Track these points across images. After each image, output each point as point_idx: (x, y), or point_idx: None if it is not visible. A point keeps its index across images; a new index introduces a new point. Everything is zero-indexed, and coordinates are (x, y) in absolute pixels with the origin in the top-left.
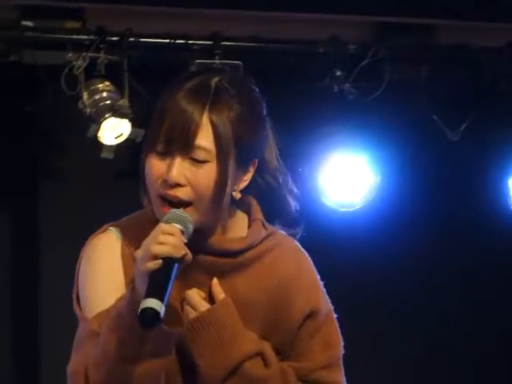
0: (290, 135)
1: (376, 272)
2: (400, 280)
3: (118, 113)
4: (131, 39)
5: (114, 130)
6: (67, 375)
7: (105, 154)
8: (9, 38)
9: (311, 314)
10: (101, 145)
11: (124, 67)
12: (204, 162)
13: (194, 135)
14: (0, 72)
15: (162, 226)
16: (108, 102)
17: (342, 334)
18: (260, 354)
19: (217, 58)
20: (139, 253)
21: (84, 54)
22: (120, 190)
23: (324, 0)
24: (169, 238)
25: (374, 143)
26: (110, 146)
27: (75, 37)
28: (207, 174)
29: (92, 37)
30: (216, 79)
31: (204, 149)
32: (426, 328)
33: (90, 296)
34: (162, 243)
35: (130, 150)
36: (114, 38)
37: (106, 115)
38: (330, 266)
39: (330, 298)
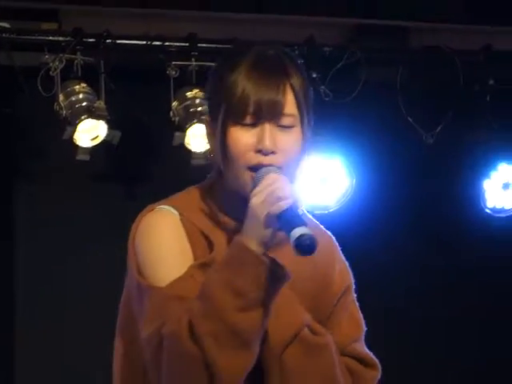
0: None
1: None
2: (376, 282)
3: (94, 114)
4: (108, 41)
5: (90, 132)
6: (151, 342)
7: (80, 156)
8: None
9: (346, 290)
10: (77, 147)
11: (100, 69)
12: (291, 127)
13: (283, 104)
14: None
15: (276, 175)
16: (84, 103)
17: None
18: (309, 325)
19: (193, 59)
20: (255, 200)
21: (60, 55)
22: (96, 192)
23: (299, 2)
24: (288, 184)
25: (349, 145)
26: (86, 148)
27: (51, 38)
28: (295, 139)
29: (68, 38)
30: (272, 51)
31: (291, 115)
32: (405, 331)
33: (159, 265)
34: (283, 187)
35: (106, 152)
36: (91, 40)
37: (83, 117)
38: None
39: None
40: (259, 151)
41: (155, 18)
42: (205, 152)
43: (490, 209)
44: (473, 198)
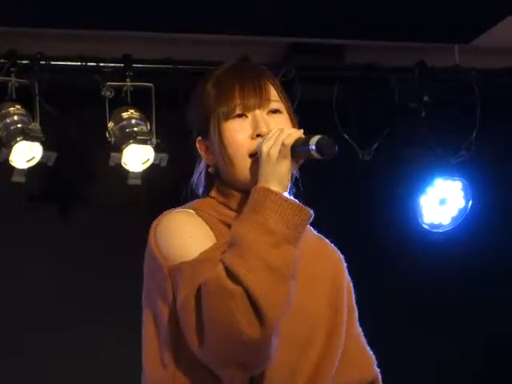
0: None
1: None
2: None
3: (29, 136)
4: (42, 62)
5: (25, 154)
6: (188, 297)
7: (16, 178)
8: None
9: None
10: (12, 168)
11: (35, 90)
12: (280, 111)
13: (268, 89)
14: None
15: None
16: (19, 125)
17: None
18: None
19: (128, 80)
20: (266, 145)
21: None
22: (32, 213)
23: (234, 21)
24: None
25: None
26: (22, 170)
27: None
28: (286, 121)
29: (2, 60)
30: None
31: (277, 100)
32: None
33: (185, 247)
34: (289, 128)
35: (42, 174)
36: (25, 62)
37: (18, 139)
38: None
39: None
40: (257, 136)
41: (90, 38)
42: (142, 172)
43: (428, 224)
44: (410, 213)
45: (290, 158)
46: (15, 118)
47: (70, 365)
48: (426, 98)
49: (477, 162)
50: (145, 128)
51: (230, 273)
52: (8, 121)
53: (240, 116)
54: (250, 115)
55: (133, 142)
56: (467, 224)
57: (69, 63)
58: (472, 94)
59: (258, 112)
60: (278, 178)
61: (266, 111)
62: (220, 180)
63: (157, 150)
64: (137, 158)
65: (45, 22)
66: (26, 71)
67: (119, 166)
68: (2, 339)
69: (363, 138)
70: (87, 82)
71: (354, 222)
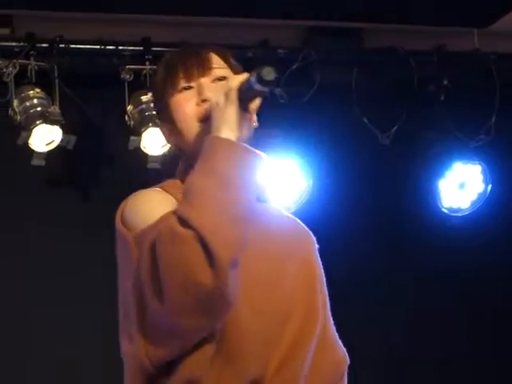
0: None
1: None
2: (334, 285)
3: (48, 119)
4: (61, 45)
5: (44, 137)
6: (143, 258)
7: (36, 161)
8: None
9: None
10: (32, 152)
11: (54, 74)
12: (224, 78)
13: (210, 57)
14: None
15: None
16: (39, 108)
17: None
18: None
19: (147, 63)
20: (213, 98)
21: (14, 60)
22: (51, 197)
23: (253, 5)
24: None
25: (305, 147)
26: (41, 153)
27: (4, 43)
28: None
29: (22, 44)
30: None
31: (222, 67)
32: (367, 331)
33: (151, 212)
34: (233, 77)
35: (61, 157)
36: (44, 45)
37: (37, 122)
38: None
39: None
40: (202, 102)
41: (109, 22)
42: (162, 155)
43: (447, 208)
44: (429, 198)
45: (236, 101)
46: (35, 101)
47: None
48: (445, 82)
49: (496, 145)
50: None
51: (181, 219)
52: (27, 104)
53: (186, 88)
54: (194, 85)
55: (152, 126)
56: (486, 208)
57: (88, 46)
58: (491, 77)
59: (202, 80)
60: (227, 123)
61: (211, 79)
62: (183, 159)
63: None
64: (156, 141)
65: (64, 5)
66: (45, 55)
67: (138, 150)
68: (32, 312)
69: (382, 122)
70: (106, 66)
71: (372, 206)
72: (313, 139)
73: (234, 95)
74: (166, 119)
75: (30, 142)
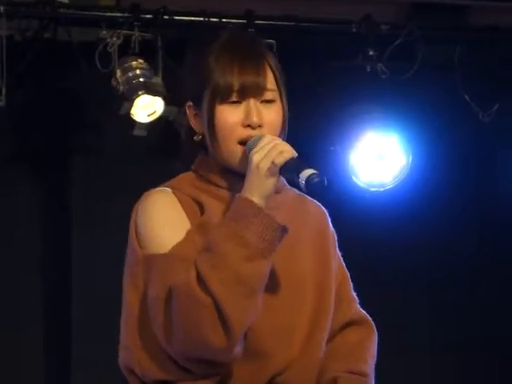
0: (321, 114)
1: (406, 251)
2: (429, 260)
3: (151, 90)
4: (165, 17)
5: (147, 108)
6: (159, 297)
7: (137, 132)
8: (43, 15)
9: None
10: (133, 122)
11: (158, 45)
12: (273, 101)
13: (266, 79)
14: (34, 49)
15: (272, 136)
16: (141, 79)
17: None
18: None
19: None
20: (257, 156)
21: (118, 31)
22: (152, 168)
23: None
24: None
25: (405, 123)
26: (143, 124)
27: (109, 14)
28: (278, 113)
29: (126, 14)
30: (245, 33)
31: (272, 90)
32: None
33: (159, 235)
34: (283, 143)
35: (163, 128)
36: (148, 16)
37: (140, 92)
38: (360, 244)
39: (366, 275)
40: (247, 126)
41: None
42: None
43: None
44: None
45: (277, 176)
46: (137, 71)
47: None
48: None
49: None
50: None
51: (201, 281)
52: (130, 75)
53: (235, 102)
54: (244, 102)
55: None
56: None
57: (191, 18)
58: None
59: (252, 101)
60: (263, 193)
61: (260, 100)
62: (205, 151)
63: None
64: None
65: None
66: (149, 26)
67: None
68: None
69: (484, 100)
70: (210, 38)
71: (471, 184)
72: (413, 115)
73: (276, 171)
74: (200, 107)
75: (132, 112)
